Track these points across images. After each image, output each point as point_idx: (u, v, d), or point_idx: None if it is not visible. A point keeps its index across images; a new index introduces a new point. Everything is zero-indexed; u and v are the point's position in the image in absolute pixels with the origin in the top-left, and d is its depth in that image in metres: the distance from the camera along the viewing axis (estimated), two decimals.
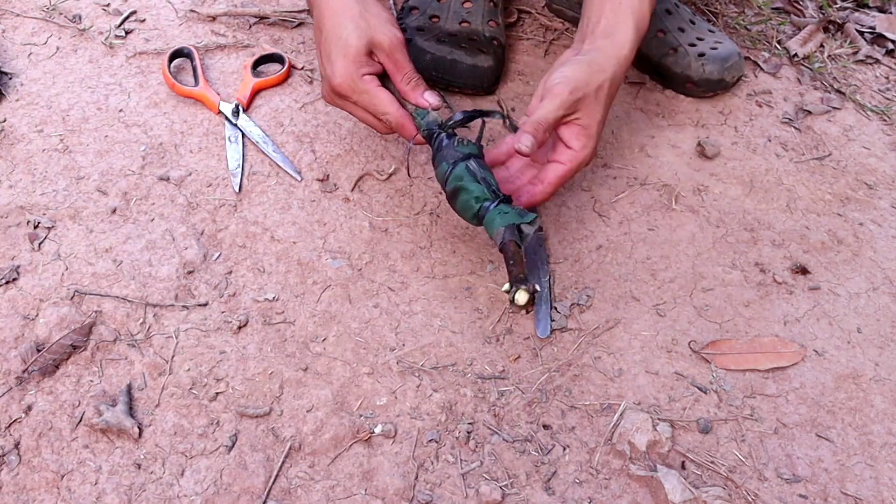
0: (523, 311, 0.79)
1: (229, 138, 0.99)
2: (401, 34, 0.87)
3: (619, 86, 0.87)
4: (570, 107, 0.82)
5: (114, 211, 0.91)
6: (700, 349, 0.87)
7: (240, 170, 0.96)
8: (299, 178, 0.97)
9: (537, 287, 0.76)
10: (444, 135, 0.85)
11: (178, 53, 1.07)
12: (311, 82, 1.08)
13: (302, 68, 1.10)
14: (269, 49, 1.11)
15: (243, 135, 1.00)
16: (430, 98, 0.86)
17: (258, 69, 1.09)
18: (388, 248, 0.92)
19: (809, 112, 1.18)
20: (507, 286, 0.77)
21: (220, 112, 1.02)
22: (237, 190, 0.94)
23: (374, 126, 0.89)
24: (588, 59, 0.85)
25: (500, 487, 0.74)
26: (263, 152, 0.99)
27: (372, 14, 0.85)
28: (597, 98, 0.83)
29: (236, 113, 1.01)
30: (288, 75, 1.08)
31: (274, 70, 1.08)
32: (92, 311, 0.82)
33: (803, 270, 0.96)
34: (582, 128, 0.84)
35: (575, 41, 0.90)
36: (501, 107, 1.10)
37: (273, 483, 0.73)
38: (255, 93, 1.06)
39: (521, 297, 0.75)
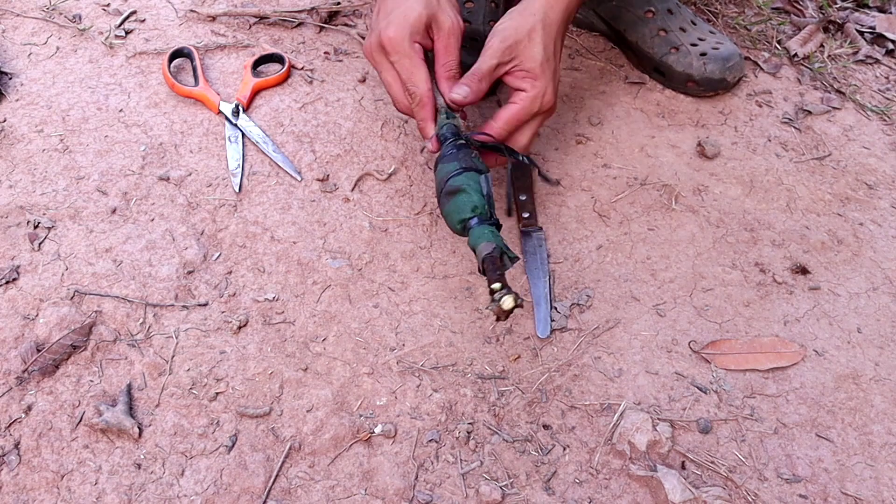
0: (500, 319, 0.73)
1: (229, 138, 0.99)
2: (463, 24, 0.89)
3: (562, 26, 0.88)
4: (503, 55, 0.85)
5: (114, 211, 0.91)
6: (700, 349, 0.87)
7: (240, 170, 0.96)
8: (299, 178, 0.97)
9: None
10: (462, 142, 0.83)
11: (178, 53, 1.07)
12: (310, 82, 1.08)
13: (302, 68, 1.10)
14: (269, 49, 1.11)
15: (243, 135, 1.00)
16: (457, 92, 0.85)
17: (258, 69, 1.09)
18: (388, 248, 0.92)
19: (809, 112, 1.18)
20: (497, 285, 0.72)
21: (220, 112, 1.02)
22: (237, 190, 0.94)
23: (396, 97, 0.88)
24: (519, 7, 0.87)
25: (500, 487, 0.74)
26: (263, 152, 0.99)
27: None
28: (531, 41, 0.85)
29: (236, 113, 1.01)
30: (288, 75, 1.08)
31: (274, 70, 1.08)
32: (92, 311, 0.82)
33: (803, 270, 0.96)
34: (525, 71, 0.85)
35: None
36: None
37: (273, 483, 0.73)
38: (255, 93, 1.06)
39: (508, 301, 0.71)
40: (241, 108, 1.02)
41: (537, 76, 0.85)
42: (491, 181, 0.81)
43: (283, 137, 1.01)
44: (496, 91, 1.12)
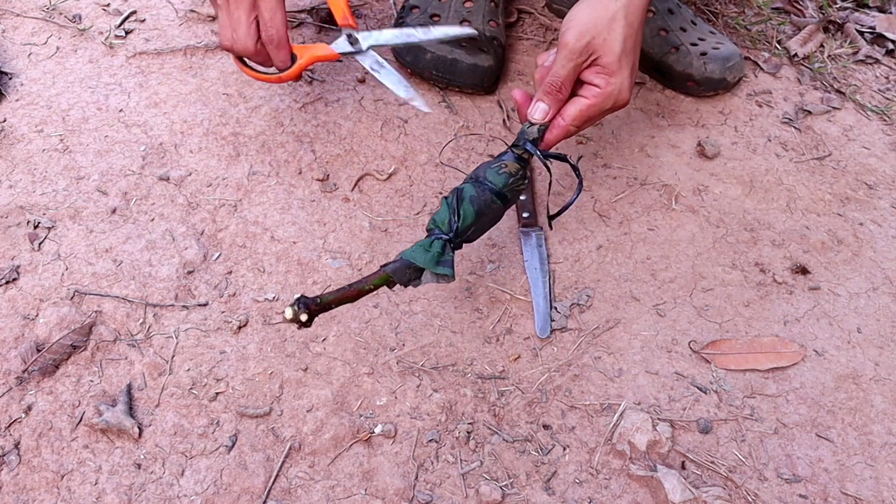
0: (295, 326, 0.70)
1: (372, 68, 0.92)
2: None
3: (643, 12, 0.81)
4: (581, 53, 0.78)
5: (114, 211, 0.91)
6: (700, 349, 0.87)
7: (413, 90, 0.90)
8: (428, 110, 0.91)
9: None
10: (514, 150, 0.81)
11: None
12: (310, 82, 1.08)
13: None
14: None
15: (380, 61, 0.92)
16: (536, 112, 0.81)
17: None
18: (388, 248, 0.92)
19: (809, 112, 1.18)
20: (292, 308, 0.68)
21: (340, 56, 0.92)
22: (426, 109, 0.90)
23: (238, 36, 0.84)
24: None
25: (500, 487, 0.74)
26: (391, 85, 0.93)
27: None
28: (611, 32, 0.78)
29: (354, 40, 0.92)
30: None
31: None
32: (92, 311, 0.82)
33: (803, 270, 0.96)
34: (601, 66, 0.79)
35: None
36: (502, 107, 1.10)
37: (273, 483, 0.73)
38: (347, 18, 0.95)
39: (288, 312, 0.67)
40: (354, 33, 0.92)
41: (613, 72, 0.79)
42: (496, 200, 0.78)
43: (283, 137, 1.01)
44: (495, 90, 1.12)
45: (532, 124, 0.82)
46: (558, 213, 0.86)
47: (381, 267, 0.73)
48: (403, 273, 0.73)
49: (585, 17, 0.79)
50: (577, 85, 0.83)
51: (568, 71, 0.79)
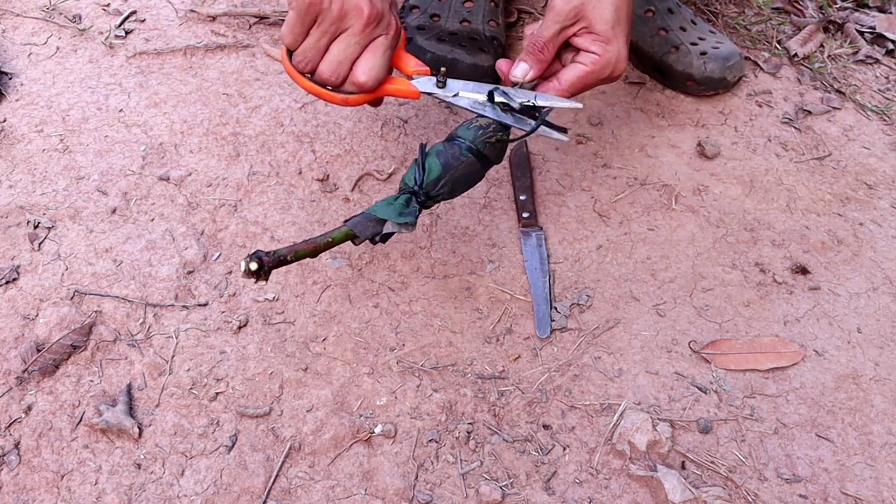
0: (252, 280, 0.69)
1: (473, 108, 0.80)
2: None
3: None
4: (568, 16, 0.78)
5: (114, 211, 0.91)
6: (700, 349, 0.87)
7: (511, 116, 0.79)
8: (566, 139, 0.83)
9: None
10: (491, 108, 0.78)
11: None
12: None
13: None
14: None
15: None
16: (517, 71, 0.79)
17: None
18: (388, 248, 0.92)
19: (809, 112, 1.18)
20: (250, 259, 0.66)
21: (421, 94, 0.81)
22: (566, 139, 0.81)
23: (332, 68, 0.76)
24: None
25: (500, 487, 0.74)
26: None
27: None
28: (601, 0, 0.78)
29: (442, 82, 0.80)
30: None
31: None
32: (92, 311, 0.82)
33: (803, 270, 0.96)
34: (595, 34, 0.79)
35: None
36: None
37: (273, 483, 0.73)
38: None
39: (242, 265, 0.66)
40: (439, 76, 0.80)
41: (609, 39, 0.78)
42: (466, 153, 0.76)
43: (283, 137, 1.01)
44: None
45: (515, 85, 0.80)
46: (523, 137, 0.82)
47: (344, 222, 0.72)
48: (365, 226, 0.71)
49: None
50: (572, 52, 0.82)
51: (552, 32, 0.78)
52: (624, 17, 0.80)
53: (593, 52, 0.80)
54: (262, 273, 0.66)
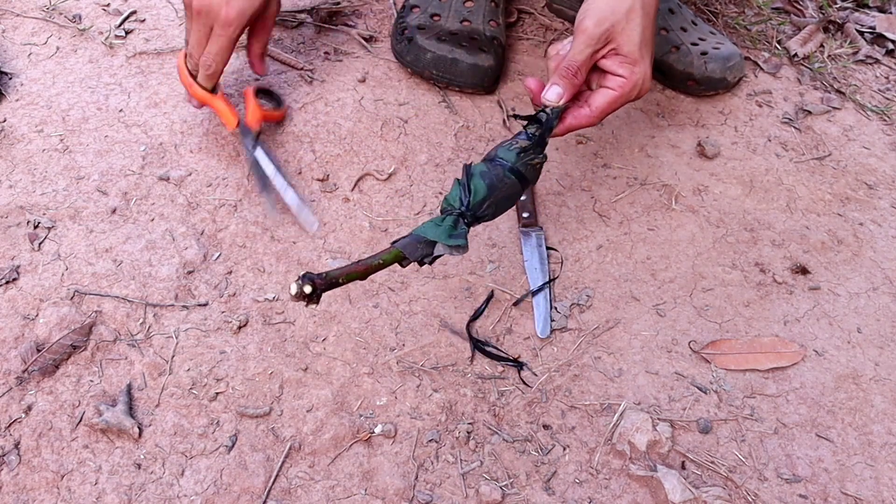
0: (302, 303, 0.67)
1: (257, 160, 0.95)
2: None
3: (658, 2, 0.82)
4: (599, 40, 0.79)
5: (114, 211, 0.91)
6: (700, 349, 0.87)
7: (297, 200, 0.92)
8: (315, 227, 0.92)
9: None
10: (529, 134, 0.80)
11: None
12: (310, 82, 1.08)
13: (302, 68, 1.10)
14: (265, 84, 1.06)
15: (257, 162, 0.95)
16: (550, 95, 0.81)
17: (259, 98, 1.02)
18: None
19: (809, 112, 1.18)
20: (297, 284, 0.65)
21: (237, 127, 0.96)
22: (315, 228, 0.91)
23: (191, 53, 0.92)
24: None
25: (500, 487, 0.74)
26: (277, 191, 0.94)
27: None
28: (629, 21, 0.79)
29: (255, 143, 0.96)
30: (285, 115, 1.03)
31: (272, 104, 1.03)
32: (92, 311, 0.82)
33: (803, 270, 0.96)
34: (623, 56, 0.80)
35: None
36: (502, 107, 1.10)
37: (273, 483, 0.73)
38: (261, 122, 0.98)
39: (293, 287, 0.64)
40: (257, 139, 0.96)
41: (636, 61, 0.79)
42: (506, 171, 0.76)
43: (284, 137, 1.01)
44: (495, 90, 1.12)
45: (545, 109, 0.81)
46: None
47: (392, 243, 0.71)
48: (415, 248, 0.70)
49: (603, 4, 0.79)
50: (597, 75, 0.83)
51: (585, 56, 0.79)
52: (649, 36, 0.81)
53: (621, 76, 0.81)
54: (314, 297, 0.65)
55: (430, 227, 0.72)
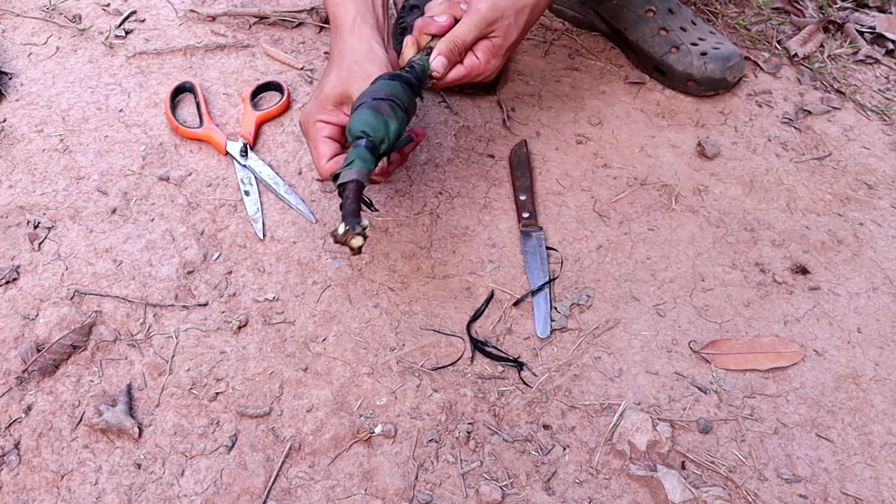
0: (354, 255, 0.73)
1: (242, 180, 0.95)
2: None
3: (539, 16, 0.88)
4: (487, 26, 0.83)
5: (114, 211, 0.91)
6: (700, 349, 0.87)
7: (260, 214, 0.92)
8: (314, 221, 0.93)
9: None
10: (411, 77, 0.82)
11: (180, 90, 1.03)
12: (310, 82, 1.08)
13: (302, 68, 1.10)
14: (266, 78, 1.07)
15: (255, 176, 0.96)
16: (436, 65, 0.83)
17: (257, 99, 1.04)
18: (388, 248, 0.92)
19: (809, 112, 1.18)
20: (341, 227, 0.70)
21: (227, 153, 0.97)
22: (262, 237, 0.90)
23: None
24: None
25: (500, 487, 0.74)
26: (276, 194, 0.95)
27: (363, 67, 0.82)
28: (516, 20, 0.84)
29: (244, 153, 0.97)
30: (288, 105, 1.04)
31: (274, 100, 1.04)
32: (92, 311, 0.82)
33: (803, 270, 0.96)
34: (493, 45, 0.84)
35: None
36: (502, 107, 1.10)
37: (273, 483, 0.73)
38: (259, 126, 1.01)
39: (357, 241, 0.69)
40: (248, 147, 0.98)
41: (499, 56, 0.85)
42: (408, 85, 0.79)
43: (283, 137, 1.01)
44: (495, 90, 1.12)
45: (426, 55, 0.83)
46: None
47: (355, 182, 0.74)
48: (364, 179, 0.75)
49: None
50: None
51: (474, 37, 0.83)
52: (521, 38, 0.86)
53: (478, 60, 0.85)
54: (360, 250, 0.70)
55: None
